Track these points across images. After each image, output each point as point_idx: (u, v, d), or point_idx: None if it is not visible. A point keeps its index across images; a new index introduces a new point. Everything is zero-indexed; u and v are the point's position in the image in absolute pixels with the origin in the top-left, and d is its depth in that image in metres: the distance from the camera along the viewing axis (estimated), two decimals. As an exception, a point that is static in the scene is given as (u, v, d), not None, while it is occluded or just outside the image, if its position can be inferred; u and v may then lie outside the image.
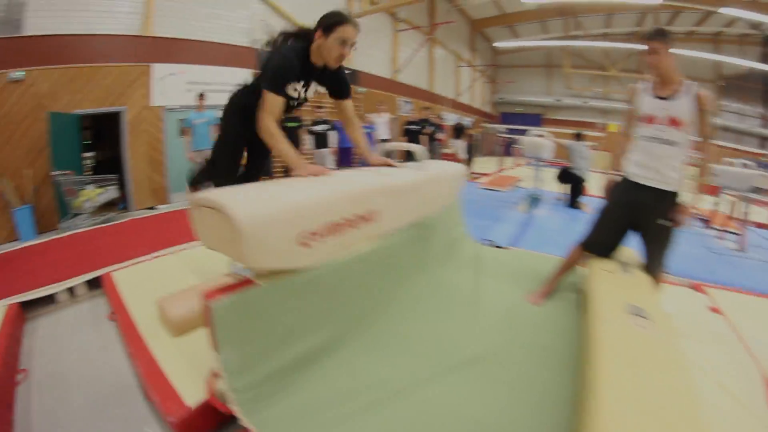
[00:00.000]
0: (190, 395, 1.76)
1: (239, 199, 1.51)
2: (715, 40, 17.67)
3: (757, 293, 4.06)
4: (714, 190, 7.13)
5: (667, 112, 2.34)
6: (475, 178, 10.83)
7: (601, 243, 2.70)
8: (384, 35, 13.49)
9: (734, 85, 18.03)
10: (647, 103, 2.43)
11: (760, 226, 8.75)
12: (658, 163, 2.39)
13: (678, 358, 1.66)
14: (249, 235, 1.42)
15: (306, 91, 2.25)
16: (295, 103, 2.28)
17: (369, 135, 8.86)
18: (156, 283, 2.91)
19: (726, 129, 18.05)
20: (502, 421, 1.57)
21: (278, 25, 8.40)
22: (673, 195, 2.41)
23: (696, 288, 3.77)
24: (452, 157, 12.66)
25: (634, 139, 2.52)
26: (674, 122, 2.33)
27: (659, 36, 2.31)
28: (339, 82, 2.35)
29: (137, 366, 2.08)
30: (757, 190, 6.07)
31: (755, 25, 15.37)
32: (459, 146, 12.68)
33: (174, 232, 4.46)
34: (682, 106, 2.31)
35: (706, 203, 7.24)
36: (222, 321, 1.48)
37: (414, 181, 2.48)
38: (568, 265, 2.82)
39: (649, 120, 2.40)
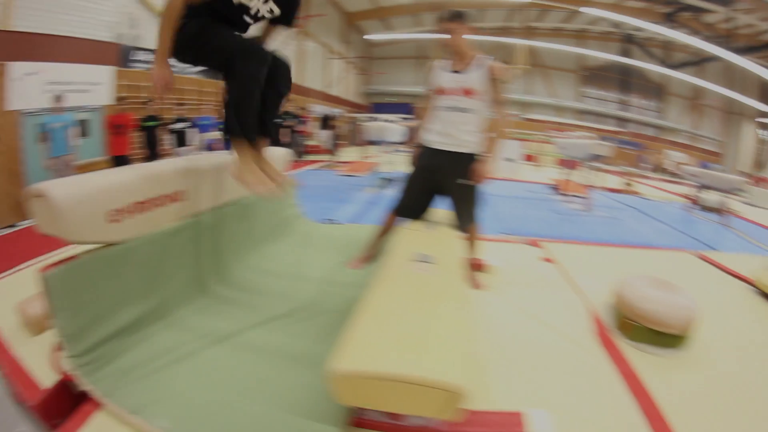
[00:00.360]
0: (47, 378, 1.82)
1: (58, 184, 1.73)
2: (580, 36, 19.80)
3: (588, 242, 4.69)
4: (570, 164, 7.92)
5: (461, 83, 2.55)
6: (337, 165, 11.09)
7: (409, 207, 2.87)
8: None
9: (596, 75, 20.57)
10: (444, 78, 2.63)
11: (610, 190, 10.01)
12: (454, 129, 2.60)
13: (451, 294, 1.84)
14: (65, 212, 1.66)
15: (265, 3, 2.02)
16: (247, 17, 2.02)
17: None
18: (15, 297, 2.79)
19: (588, 112, 20.69)
20: (310, 353, 1.89)
21: (143, 19, 7.93)
22: (469, 156, 2.63)
23: (532, 243, 4.23)
24: (317, 148, 13.03)
25: (433, 111, 2.72)
26: (468, 92, 2.55)
27: (455, 18, 2.51)
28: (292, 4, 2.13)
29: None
30: (596, 157, 6.83)
31: (616, 25, 17.61)
32: (324, 136, 12.81)
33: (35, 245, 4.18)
34: (474, 78, 2.53)
35: (559, 174, 8.01)
36: (53, 290, 1.67)
37: (219, 164, 2.61)
38: (384, 231, 2.95)
39: (446, 92, 2.61)
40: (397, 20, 19.79)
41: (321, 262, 3.01)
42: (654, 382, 2.22)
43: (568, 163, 7.73)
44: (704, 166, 14.86)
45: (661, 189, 12.72)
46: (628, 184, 10.64)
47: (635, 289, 2.69)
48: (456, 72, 2.59)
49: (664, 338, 2.63)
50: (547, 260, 3.75)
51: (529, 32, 18.48)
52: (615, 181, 10.95)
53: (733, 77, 20.64)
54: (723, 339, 3.00)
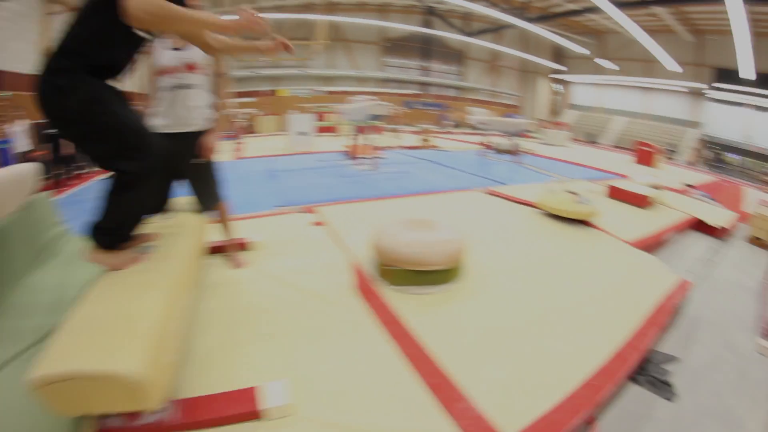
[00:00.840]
0: None
1: None
2: (383, 10, 20.82)
3: (365, 199, 5.04)
4: (361, 129, 8.37)
5: (183, 59, 2.50)
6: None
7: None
8: (30, 21, 10.67)
9: (398, 45, 22.07)
10: (165, 56, 2.51)
11: (408, 147, 10.98)
12: (182, 108, 2.53)
13: (153, 281, 1.74)
14: None
15: None
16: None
17: (4, 151, 7.44)
18: None
19: (391, 80, 22.28)
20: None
21: None
22: (199, 134, 2.60)
23: (307, 210, 4.42)
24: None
25: (157, 93, 2.56)
26: (190, 67, 2.51)
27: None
28: None
29: None
30: (376, 117, 7.34)
31: (418, -2, 19.01)
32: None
33: None
34: (195, 52, 2.49)
35: (351, 139, 8.44)
36: None
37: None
38: None
39: (168, 71, 2.50)
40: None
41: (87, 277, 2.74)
42: (416, 323, 2.38)
43: (362, 129, 8.20)
44: (509, 117, 17.01)
45: (461, 141, 14.31)
46: (425, 140, 11.74)
47: (390, 236, 2.88)
48: (177, 49, 2.52)
49: (428, 276, 2.83)
50: (318, 224, 3.93)
51: (332, 8, 18.88)
52: (414, 140, 12.01)
53: (527, 42, 23.98)
54: (500, 261, 3.45)
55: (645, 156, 11.17)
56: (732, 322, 3.31)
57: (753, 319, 3.39)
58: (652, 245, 4.62)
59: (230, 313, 2.38)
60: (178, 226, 2.39)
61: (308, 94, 18.79)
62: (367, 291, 2.71)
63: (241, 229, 3.15)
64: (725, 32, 18.20)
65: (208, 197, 2.76)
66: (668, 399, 2.29)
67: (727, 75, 19.00)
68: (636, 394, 2.33)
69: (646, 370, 2.48)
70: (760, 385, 2.49)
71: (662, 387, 2.37)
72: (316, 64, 19.82)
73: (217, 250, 3.06)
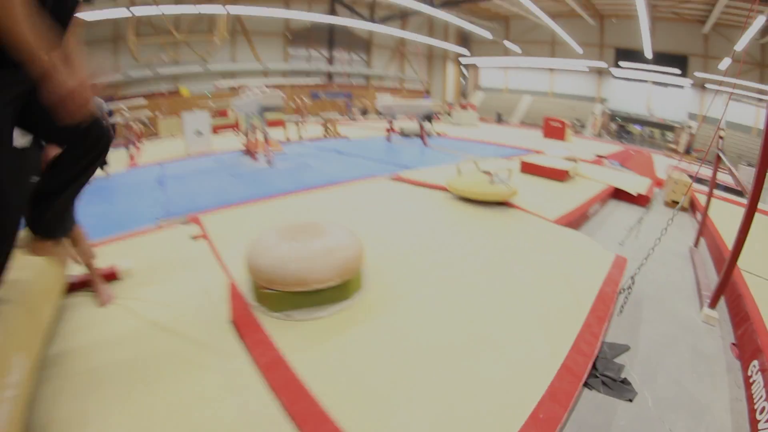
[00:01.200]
0: None
1: None
2: (287, 1, 19.53)
3: (247, 201, 4.25)
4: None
5: None
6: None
7: None
8: None
9: (303, 36, 20.96)
10: None
11: (310, 139, 10.20)
12: None
13: None
14: None
15: None
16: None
17: None
18: None
19: (296, 72, 20.93)
20: None
21: None
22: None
23: (193, 221, 3.75)
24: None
25: None
26: None
27: None
28: None
29: None
30: (270, 109, 6.47)
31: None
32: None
33: None
34: None
35: (248, 135, 7.55)
36: None
37: None
38: None
39: None
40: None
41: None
42: (302, 362, 1.85)
43: (256, 124, 7.25)
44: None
45: (367, 129, 13.69)
46: (329, 130, 10.94)
47: (263, 250, 2.24)
48: None
49: (316, 296, 2.24)
50: (200, 237, 3.35)
51: None
52: (319, 131, 11.20)
53: (433, 28, 23.88)
54: (410, 262, 2.91)
55: (554, 131, 11.14)
56: (673, 294, 3.09)
57: (692, 288, 3.21)
58: (577, 220, 4.27)
59: (78, 374, 1.78)
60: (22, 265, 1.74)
61: (211, 90, 17.17)
62: (243, 324, 2.13)
63: (111, 255, 2.75)
64: (624, 16, 19.67)
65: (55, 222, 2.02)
66: (629, 400, 1.96)
67: (628, 54, 20.44)
68: (592, 401, 1.95)
69: (599, 370, 2.11)
70: (715, 361, 2.33)
71: (620, 387, 2.03)
72: (218, 59, 18.31)
73: (78, 286, 2.44)
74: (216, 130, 11.47)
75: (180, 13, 15.64)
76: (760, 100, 18.03)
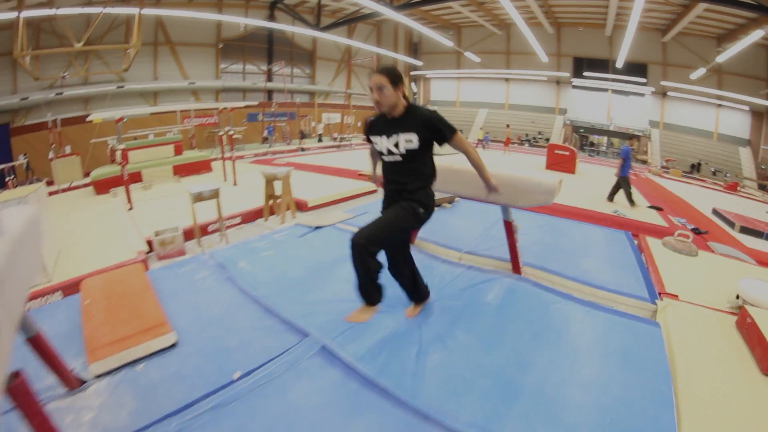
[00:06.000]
0: None
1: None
2: (218, 5, 16.63)
3: None
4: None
5: None
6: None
7: None
8: None
9: (237, 46, 18.02)
10: None
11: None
12: None
13: None
14: None
15: (389, 141, 2.17)
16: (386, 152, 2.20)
17: None
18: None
19: (231, 89, 18.04)
20: None
21: None
22: None
23: None
24: None
25: None
26: None
27: None
28: (423, 127, 2.12)
29: None
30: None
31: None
32: None
33: None
34: None
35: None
36: None
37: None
38: None
39: None
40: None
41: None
42: None
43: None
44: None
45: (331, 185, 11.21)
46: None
47: None
48: None
49: None
50: None
51: (156, 1, 14.36)
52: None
53: (381, 38, 21.93)
54: None
55: (560, 160, 8.79)
56: None
57: None
58: None
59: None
60: None
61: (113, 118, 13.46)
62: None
63: None
64: (583, 24, 18.84)
65: None
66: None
67: (588, 63, 19.64)
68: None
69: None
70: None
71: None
72: (136, 77, 14.97)
73: None
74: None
75: (79, 13, 12.12)
76: (720, 105, 17.86)
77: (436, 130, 2.05)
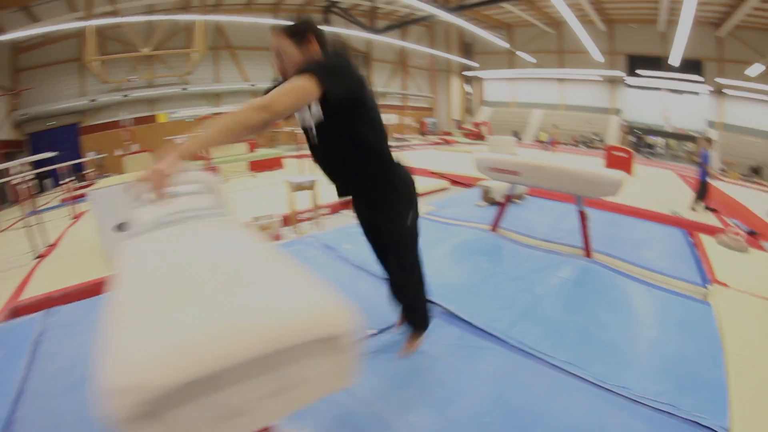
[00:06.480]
0: None
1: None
2: (275, 9, 17.68)
3: None
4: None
5: None
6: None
7: None
8: None
9: None
10: None
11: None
12: None
13: None
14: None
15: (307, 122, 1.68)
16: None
17: None
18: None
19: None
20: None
21: None
22: None
23: None
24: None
25: None
26: None
27: None
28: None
29: None
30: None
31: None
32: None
33: None
34: None
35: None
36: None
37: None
38: None
39: None
40: (43, 8, 12.29)
41: None
42: None
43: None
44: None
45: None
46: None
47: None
48: None
49: None
50: None
51: (215, 8, 15.45)
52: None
53: (435, 40, 22.35)
54: None
55: (617, 162, 8.98)
56: None
57: None
58: None
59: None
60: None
61: (195, 115, 14.53)
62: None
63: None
64: (639, 21, 18.52)
65: None
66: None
67: (643, 61, 19.21)
68: None
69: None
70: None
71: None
72: (199, 79, 16.15)
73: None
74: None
75: (146, 20, 13.31)
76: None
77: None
